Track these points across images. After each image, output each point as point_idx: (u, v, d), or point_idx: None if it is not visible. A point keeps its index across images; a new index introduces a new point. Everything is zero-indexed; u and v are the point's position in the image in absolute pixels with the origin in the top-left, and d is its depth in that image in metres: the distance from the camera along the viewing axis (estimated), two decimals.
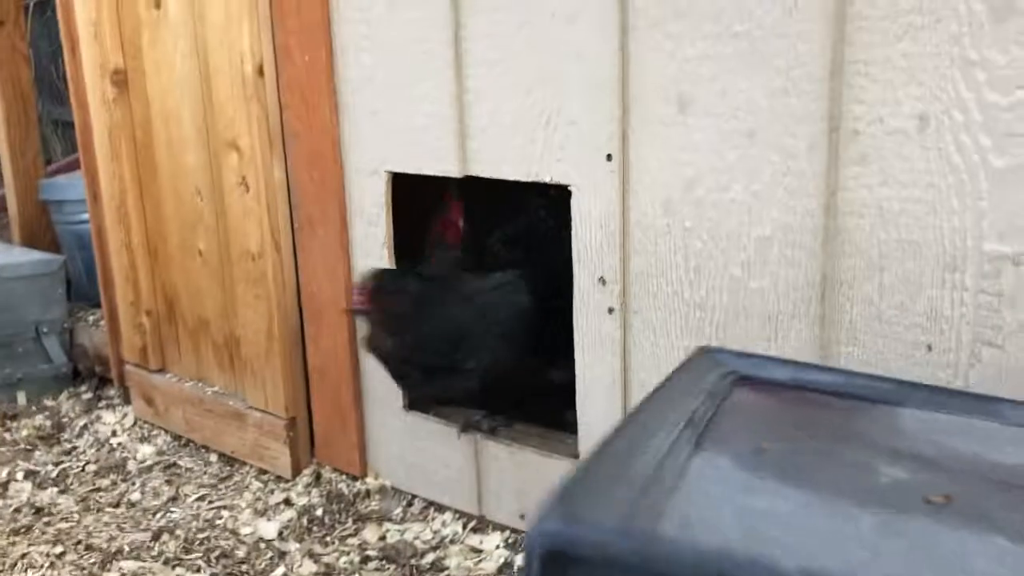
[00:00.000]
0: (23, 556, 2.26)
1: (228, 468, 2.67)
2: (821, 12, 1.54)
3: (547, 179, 1.95)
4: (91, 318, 3.60)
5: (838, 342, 1.66)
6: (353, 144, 2.27)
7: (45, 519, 2.45)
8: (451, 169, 2.10)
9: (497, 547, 2.18)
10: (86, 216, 3.70)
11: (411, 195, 2.31)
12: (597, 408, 2.00)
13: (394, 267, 2.27)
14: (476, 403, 2.27)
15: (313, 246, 2.40)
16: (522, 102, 1.95)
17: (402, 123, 2.16)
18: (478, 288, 2.19)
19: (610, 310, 1.92)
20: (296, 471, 2.53)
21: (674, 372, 1.29)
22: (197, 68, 2.45)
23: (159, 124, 2.64)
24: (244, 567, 2.17)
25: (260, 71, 2.29)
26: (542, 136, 1.93)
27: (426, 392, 2.23)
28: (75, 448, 2.90)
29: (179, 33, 2.48)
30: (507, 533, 2.21)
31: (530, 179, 1.99)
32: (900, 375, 1.59)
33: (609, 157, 1.84)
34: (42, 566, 2.21)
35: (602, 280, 1.92)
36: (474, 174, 2.07)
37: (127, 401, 3.11)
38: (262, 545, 2.26)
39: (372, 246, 2.30)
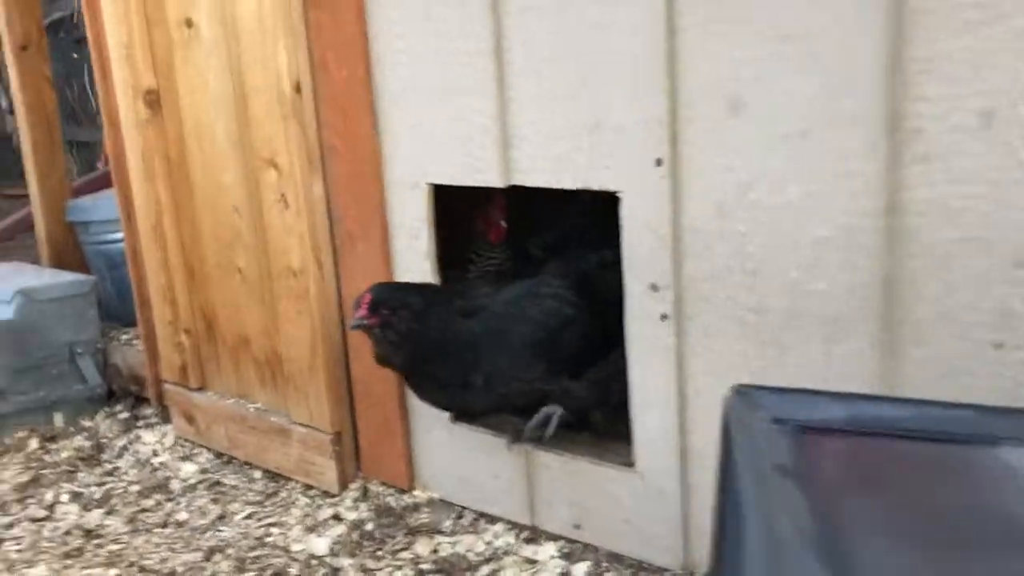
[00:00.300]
0: None
1: (273, 484, 2.67)
2: (878, 8, 1.52)
3: (594, 186, 1.94)
4: (123, 338, 3.61)
5: (902, 343, 1.64)
6: (393, 157, 2.26)
7: (95, 541, 2.45)
8: (494, 179, 2.09)
9: (552, 557, 2.16)
10: (114, 236, 3.72)
11: (453, 199, 2.30)
12: (653, 417, 1.98)
13: (412, 280, 2.27)
14: (491, 414, 2.26)
15: (355, 261, 2.39)
16: (567, 108, 1.93)
17: (442, 134, 2.15)
18: (485, 303, 2.16)
19: (663, 316, 1.91)
20: (343, 486, 2.53)
21: (723, 440, 1.09)
22: (231, 86, 2.45)
23: (193, 143, 2.64)
24: None
25: (297, 88, 2.28)
26: (588, 142, 1.92)
27: (443, 404, 2.20)
28: (117, 468, 2.90)
29: (212, 52, 2.48)
30: (561, 543, 2.20)
31: (576, 187, 1.97)
32: (967, 375, 1.57)
33: (659, 162, 1.82)
34: None
35: (654, 286, 1.90)
36: (518, 183, 2.06)
37: (165, 420, 3.11)
38: (314, 562, 2.25)
39: (414, 259, 2.29)
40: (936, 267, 1.57)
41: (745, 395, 1.11)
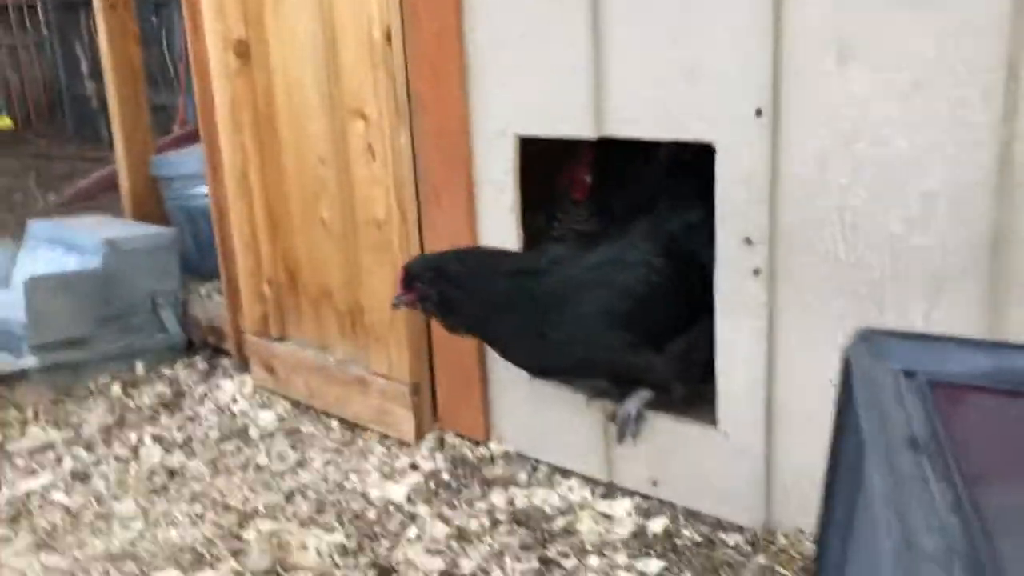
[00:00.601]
0: (164, 514, 2.33)
1: (350, 434, 2.71)
2: None
3: (689, 137, 1.91)
4: (203, 291, 3.69)
5: (1008, 303, 1.59)
6: (481, 110, 2.26)
7: (178, 480, 2.52)
8: (585, 130, 2.07)
9: (628, 513, 2.16)
10: (196, 191, 3.80)
11: (536, 160, 2.29)
12: (740, 375, 1.95)
13: (470, 247, 2.28)
14: (573, 377, 2.26)
15: (439, 214, 2.40)
16: (663, 56, 1.90)
17: (533, 85, 2.14)
18: (556, 264, 2.12)
19: (756, 272, 1.88)
20: (419, 436, 2.55)
21: (843, 386, 0.96)
22: (322, 35, 2.47)
23: (282, 94, 2.68)
24: (376, 528, 2.20)
25: (388, 36, 2.29)
26: (684, 91, 1.89)
27: (522, 362, 2.19)
28: (197, 415, 2.97)
29: (303, 1, 2.50)
30: (637, 499, 2.19)
31: (670, 137, 1.95)
32: None
33: (759, 112, 1.79)
34: (184, 524, 2.27)
35: (748, 240, 1.87)
36: (610, 135, 2.04)
37: (244, 370, 3.18)
38: (391, 508, 2.28)
39: (499, 213, 2.29)
40: None
41: (871, 341, 0.94)
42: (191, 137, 4.42)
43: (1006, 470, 0.76)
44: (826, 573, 0.97)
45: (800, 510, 1.95)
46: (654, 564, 1.96)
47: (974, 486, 0.68)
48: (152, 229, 3.64)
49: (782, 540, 1.97)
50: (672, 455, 2.14)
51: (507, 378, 2.41)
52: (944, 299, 1.65)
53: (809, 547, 1.93)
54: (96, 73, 7.66)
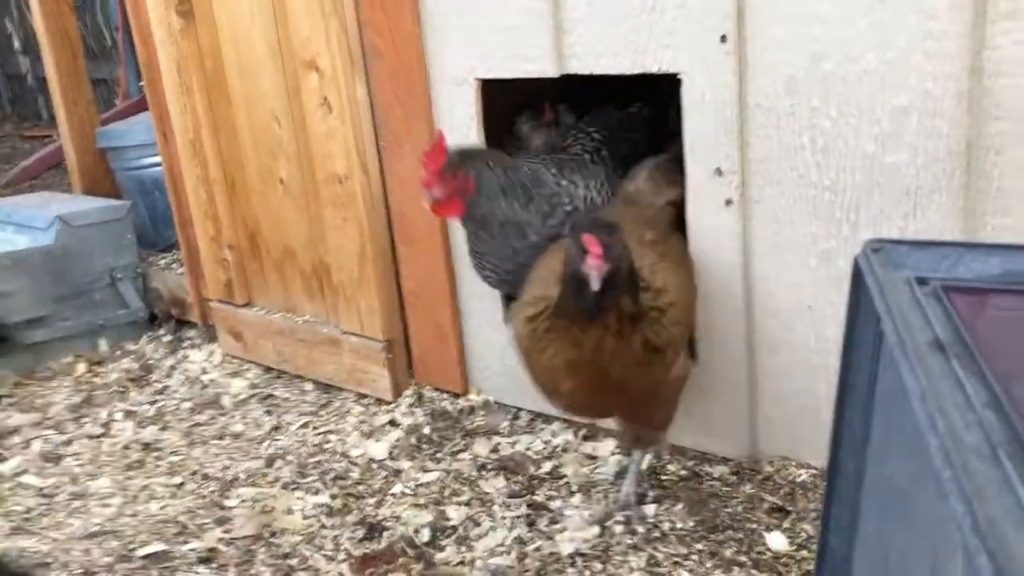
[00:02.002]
0: (143, 488, 2.28)
1: (325, 395, 2.67)
2: None
3: (654, 69, 1.88)
4: (162, 262, 3.59)
5: (984, 213, 1.59)
6: (438, 54, 2.20)
7: (155, 454, 2.47)
8: (547, 68, 2.02)
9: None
10: (147, 161, 3.69)
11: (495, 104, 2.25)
12: (715, 306, 1.95)
13: None
14: None
15: (401, 165, 2.35)
16: None
17: (491, 25, 2.08)
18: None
19: (728, 202, 1.86)
20: (397, 393, 2.52)
21: (853, 297, 0.95)
22: None
23: (229, 51, 2.58)
24: (361, 487, 2.17)
25: None
26: (647, 22, 1.85)
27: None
28: (167, 387, 2.90)
29: None
30: None
31: (635, 71, 1.91)
32: None
33: (723, 38, 1.76)
34: (164, 496, 2.23)
35: (718, 171, 1.85)
36: (572, 71, 2.00)
37: (211, 339, 3.11)
38: (374, 465, 2.26)
39: None
40: (1019, 130, 1.51)
41: (881, 251, 0.93)
42: (136, 109, 4.29)
43: None
44: (839, 489, 0.97)
45: (784, 438, 1.96)
46: None
47: (1004, 383, 0.67)
48: (104, 202, 3.53)
49: (767, 468, 1.98)
50: None
51: (481, 328, 2.38)
52: (919, 215, 1.65)
53: (795, 472, 1.95)
54: (30, 48, 7.38)
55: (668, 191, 2.03)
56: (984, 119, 1.54)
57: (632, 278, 1.59)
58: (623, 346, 1.59)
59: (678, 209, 1.98)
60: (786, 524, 1.83)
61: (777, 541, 1.78)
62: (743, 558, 1.75)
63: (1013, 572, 0.51)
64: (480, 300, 2.34)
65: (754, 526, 1.84)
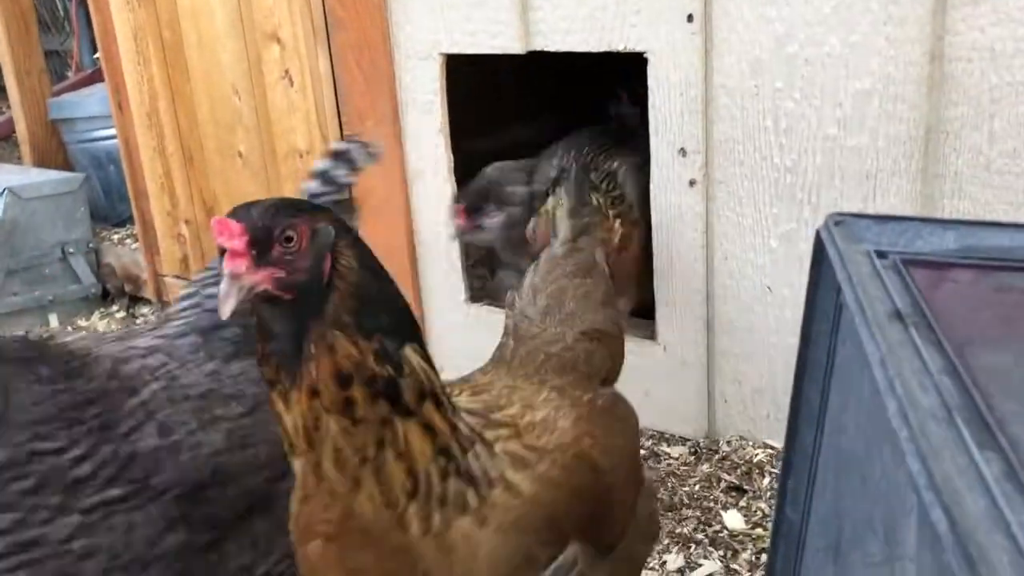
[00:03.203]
0: None
1: None
2: None
3: (620, 47, 1.87)
4: (115, 237, 3.52)
5: (942, 195, 1.61)
6: (403, 27, 2.17)
7: None
8: (512, 45, 2.01)
9: None
10: (101, 133, 3.61)
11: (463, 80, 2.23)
12: (676, 286, 1.95)
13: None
14: None
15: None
16: None
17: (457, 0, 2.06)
18: None
19: (691, 183, 1.87)
20: None
21: (814, 270, 0.96)
22: None
23: (188, 21, 2.53)
24: None
25: None
26: (614, 0, 1.84)
27: None
28: None
29: None
30: None
31: (601, 49, 1.90)
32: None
33: (690, 18, 1.76)
34: None
35: (682, 151, 1.86)
36: (538, 48, 1.98)
37: None
38: None
39: (428, 135, 2.22)
40: (979, 116, 1.53)
41: (842, 225, 0.92)
42: (89, 81, 4.19)
43: (986, 336, 0.77)
44: (795, 463, 0.98)
45: (741, 418, 1.98)
46: None
47: (960, 351, 0.69)
48: (56, 175, 3.44)
49: (725, 448, 2.00)
50: None
51: (442, 306, 2.37)
52: (879, 198, 1.67)
53: (752, 452, 1.97)
54: None
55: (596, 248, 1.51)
56: (944, 104, 1.56)
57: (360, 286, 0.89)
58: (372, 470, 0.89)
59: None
60: (743, 503, 1.84)
61: (734, 519, 1.80)
62: (700, 536, 1.77)
63: (967, 526, 0.52)
64: (443, 277, 2.32)
65: (711, 505, 1.85)
